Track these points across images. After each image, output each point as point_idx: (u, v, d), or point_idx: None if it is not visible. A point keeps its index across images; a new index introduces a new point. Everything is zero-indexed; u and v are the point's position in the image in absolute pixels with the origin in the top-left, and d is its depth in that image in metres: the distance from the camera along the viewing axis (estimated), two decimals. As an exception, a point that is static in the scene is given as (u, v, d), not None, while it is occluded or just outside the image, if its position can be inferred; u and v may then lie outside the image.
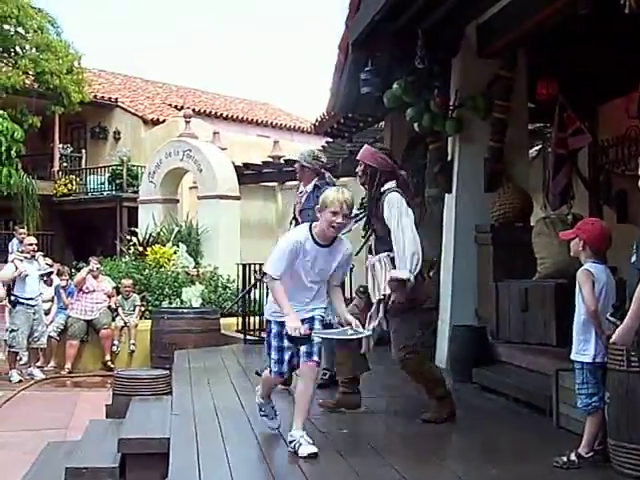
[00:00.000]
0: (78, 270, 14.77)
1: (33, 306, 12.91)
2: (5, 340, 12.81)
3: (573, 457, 4.76)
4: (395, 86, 8.88)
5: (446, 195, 9.00)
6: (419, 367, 6.10)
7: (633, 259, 4.36)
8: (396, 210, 5.87)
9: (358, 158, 6.23)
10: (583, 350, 4.74)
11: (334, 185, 7.60)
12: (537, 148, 12.35)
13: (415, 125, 9.29)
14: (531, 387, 6.53)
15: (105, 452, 5.94)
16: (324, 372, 7.08)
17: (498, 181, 8.58)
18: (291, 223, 7.70)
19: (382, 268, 5.96)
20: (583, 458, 4.74)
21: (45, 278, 13.41)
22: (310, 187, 7.56)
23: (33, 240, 13.72)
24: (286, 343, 5.22)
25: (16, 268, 12.71)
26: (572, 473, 4.68)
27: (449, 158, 9.00)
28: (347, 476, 4.70)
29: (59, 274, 14.59)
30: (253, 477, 4.81)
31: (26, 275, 12.75)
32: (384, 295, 5.93)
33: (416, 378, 6.18)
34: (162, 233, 16.68)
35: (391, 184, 6.04)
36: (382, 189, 6.03)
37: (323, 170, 7.67)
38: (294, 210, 7.78)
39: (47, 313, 13.79)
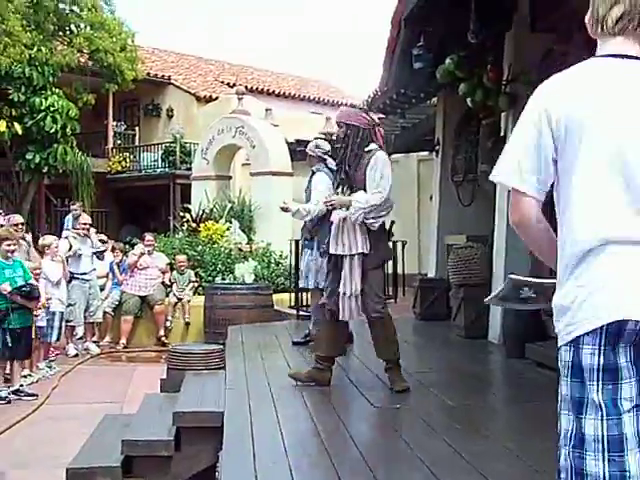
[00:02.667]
0: (132, 246, 14.92)
1: (88, 280, 13.17)
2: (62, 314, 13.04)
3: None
4: (448, 61, 8.85)
5: (499, 171, 8.93)
6: (389, 321, 6.29)
7: None
8: (388, 171, 6.18)
9: (337, 120, 6.47)
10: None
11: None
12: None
13: (468, 100, 9.24)
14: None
15: (160, 425, 6.01)
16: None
17: (551, 156, 8.48)
18: None
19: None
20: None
21: (98, 255, 13.64)
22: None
23: (88, 219, 13.92)
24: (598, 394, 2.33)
25: (70, 247, 12.92)
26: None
27: (502, 133, 8.94)
28: (401, 450, 4.73)
29: (112, 250, 14.80)
30: (306, 452, 4.84)
31: (80, 254, 12.98)
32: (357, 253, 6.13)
33: (385, 332, 6.28)
34: (215, 209, 16.76)
35: (375, 145, 6.27)
36: (366, 148, 6.25)
37: (326, 157, 8.33)
38: None
39: (102, 289, 13.98)
